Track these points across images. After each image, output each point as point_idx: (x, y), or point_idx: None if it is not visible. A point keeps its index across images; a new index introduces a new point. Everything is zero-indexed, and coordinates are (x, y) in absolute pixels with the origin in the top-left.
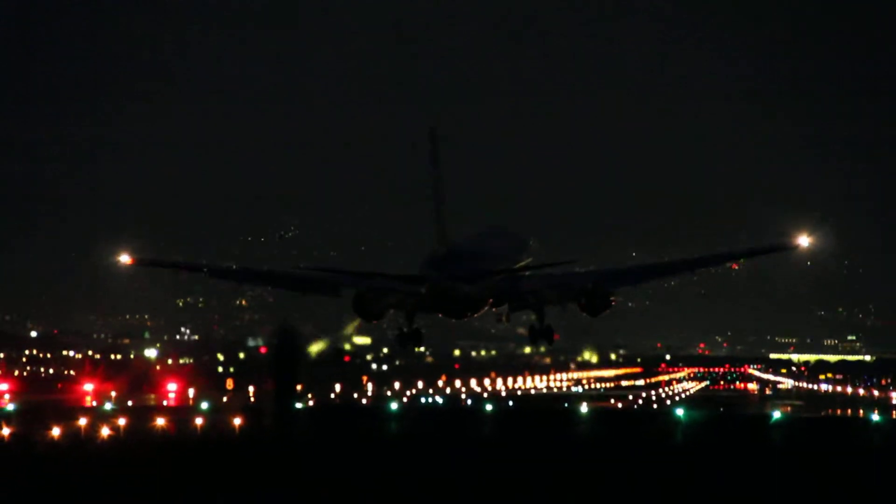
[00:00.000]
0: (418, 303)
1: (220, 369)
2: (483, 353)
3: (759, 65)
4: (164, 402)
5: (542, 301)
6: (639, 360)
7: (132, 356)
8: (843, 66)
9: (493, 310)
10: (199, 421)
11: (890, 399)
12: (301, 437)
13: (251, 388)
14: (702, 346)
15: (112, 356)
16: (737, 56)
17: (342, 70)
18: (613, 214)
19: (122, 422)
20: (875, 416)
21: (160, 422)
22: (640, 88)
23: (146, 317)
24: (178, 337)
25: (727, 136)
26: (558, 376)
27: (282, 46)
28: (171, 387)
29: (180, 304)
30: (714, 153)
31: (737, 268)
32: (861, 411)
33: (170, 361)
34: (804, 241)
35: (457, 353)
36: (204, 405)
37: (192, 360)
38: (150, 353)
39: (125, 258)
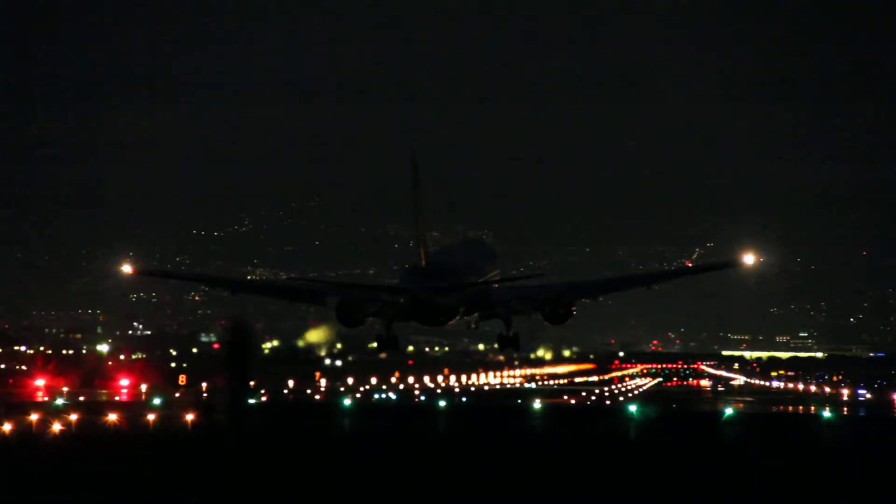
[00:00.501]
0: (398, 311)
1: (173, 364)
2: (437, 349)
3: (749, 66)
4: (117, 398)
5: (510, 310)
6: (592, 356)
7: (84, 351)
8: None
9: (465, 318)
10: (151, 416)
11: (841, 395)
12: (254, 433)
13: (204, 384)
14: (655, 342)
15: (64, 351)
16: (731, 57)
17: (341, 71)
18: (611, 215)
19: (73, 417)
20: (826, 413)
21: (112, 417)
22: (637, 90)
23: (98, 312)
24: (130, 332)
25: (718, 136)
26: (512, 373)
27: (281, 47)
28: (124, 382)
29: (133, 298)
30: (706, 152)
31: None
32: (813, 408)
33: (122, 356)
34: (749, 258)
35: (410, 348)
36: (156, 400)
37: (144, 356)
38: (102, 348)
39: (127, 268)
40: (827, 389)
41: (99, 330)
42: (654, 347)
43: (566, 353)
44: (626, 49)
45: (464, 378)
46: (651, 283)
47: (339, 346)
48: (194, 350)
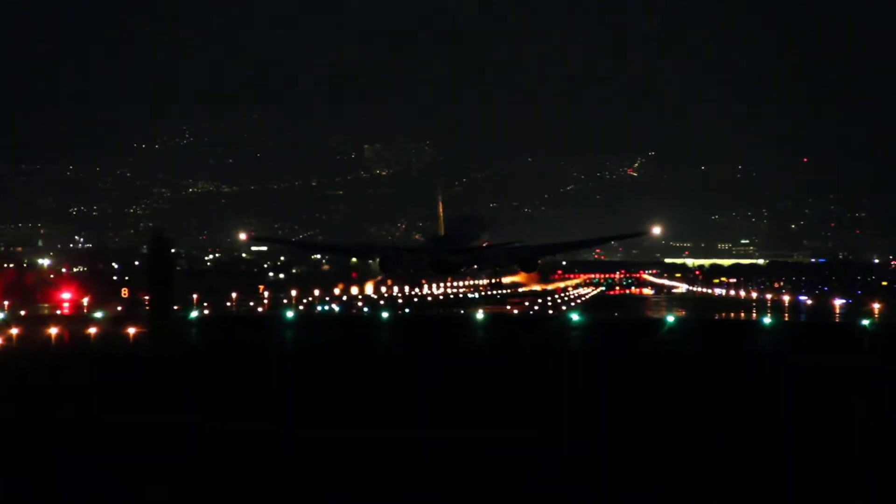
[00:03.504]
0: (422, 265)
1: (115, 278)
2: None
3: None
4: (58, 311)
5: (498, 264)
6: None
7: (25, 264)
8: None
9: (467, 270)
10: (92, 330)
11: (782, 302)
12: (183, 347)
13: (147, 297)
14: (598, 251)
15: (4, 265)
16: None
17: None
18: (552, 124)
19: (14, 331)
20: (767, 319)
21: (53, 331)
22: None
23: (39, 225)
24: (71, 245)
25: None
26: (455, 283)
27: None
28: (65, 295)
29: (73, 212)
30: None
31: None
32: (754, 314)
33: (63, 270)
34: (657, 230)
35: (354, 260)
36: (98, 314)
37: (85, 269)
38: (44, 261)
39: (242, 236)
40: (768, 296)
41: (40, 243)
42: (596, 256)
43: None
44: None
45: (407, 289)
46: (591, 246)
47: (282, 258)
48: (136, 263)
